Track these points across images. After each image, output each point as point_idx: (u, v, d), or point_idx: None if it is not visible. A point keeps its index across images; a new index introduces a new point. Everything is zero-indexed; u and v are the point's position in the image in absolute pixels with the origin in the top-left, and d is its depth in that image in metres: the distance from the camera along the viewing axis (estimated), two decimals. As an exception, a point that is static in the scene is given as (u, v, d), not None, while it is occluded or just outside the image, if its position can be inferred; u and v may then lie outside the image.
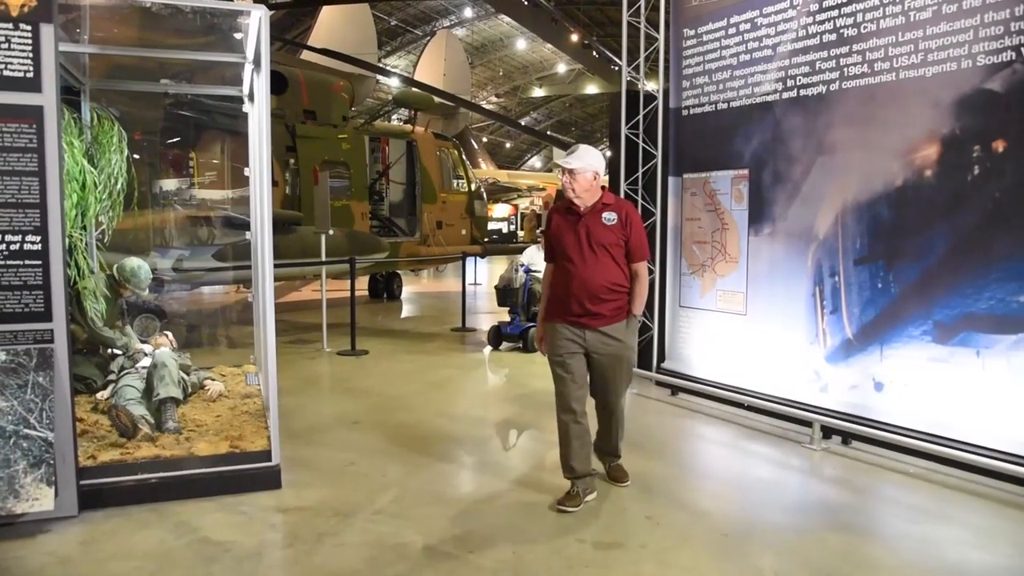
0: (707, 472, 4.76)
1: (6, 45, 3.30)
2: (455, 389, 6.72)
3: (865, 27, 4.78)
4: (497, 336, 8.44)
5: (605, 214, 3.75)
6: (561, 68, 38.28)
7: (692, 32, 6.13)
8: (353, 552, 3.29)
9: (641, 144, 6.66)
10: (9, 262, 3.42)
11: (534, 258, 8.38)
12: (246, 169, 5.71)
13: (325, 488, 4.05)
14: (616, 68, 30.55)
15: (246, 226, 6.85)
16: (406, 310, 12.46)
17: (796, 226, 5.32)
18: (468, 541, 3.42)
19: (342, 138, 10.77)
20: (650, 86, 6.93)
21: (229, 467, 3.97)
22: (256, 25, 3.90)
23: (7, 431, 3.41)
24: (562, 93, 42.09)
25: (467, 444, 5.00)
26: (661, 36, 6.44)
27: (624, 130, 6.74)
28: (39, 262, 3.46)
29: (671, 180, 6.44)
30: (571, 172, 3.70)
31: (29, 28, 3.33)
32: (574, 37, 28.37)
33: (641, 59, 6.65)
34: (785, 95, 5.39)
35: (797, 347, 5.30)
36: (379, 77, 18.01)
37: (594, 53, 30.31)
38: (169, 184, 8.50)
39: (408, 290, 14.26)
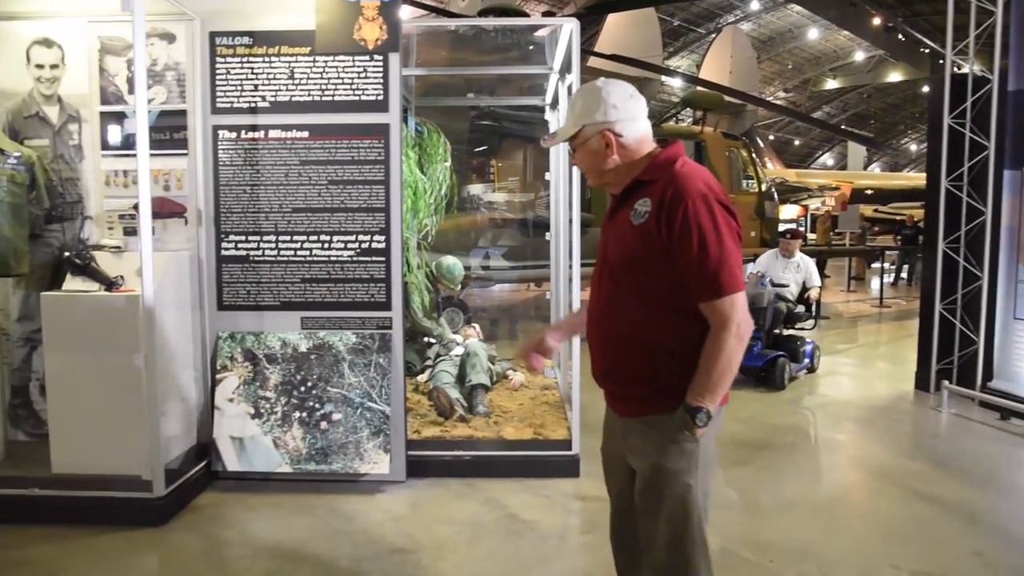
0: (1050, 508, 4.14)
1: (364, 74, 3.89)
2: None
3: None
4: None
5: (639, 202, 1.95)
6: (859, 56, 35.24)
7: (1038, 2, 5.34)
8: (650, 544, 3.37)
9: (968, 135, 5.94)
10: (361, 258, 4.02)
11: (771, 267, 7.21)
12: (547, 174, 6.06)
13: (619, 480, 4.19)
14: (927, 51, 27.47)
15: (543, 227, 7.29)
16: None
17: None
18: (768, 550, 3.34)
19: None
20: (969, 67, 6.15)
21: (532, 452, 4.27)
22: (567, 37, 4.16)
23: (355, 402, 4.01)
24: (859, 84, 38.66)
25: (762, 447, 4.86)
26: (1000, 7, 5.67)
27: (947, 119, 6.06)
28: (383, 259, 4.02)
29: (1007, 174, 5.66)
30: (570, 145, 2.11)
31: (381, 59, 3.89)
32: (876, 20, 25.95)
33: (971, 38, 5.92)
34: None
35: None
36: (663, 78, 17.99)
37: (899, 36, 27.44)
38: (475, 189, 9.31)
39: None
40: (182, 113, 3.97)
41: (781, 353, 6.56)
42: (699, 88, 13.59)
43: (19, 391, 4.22)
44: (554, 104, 5.81)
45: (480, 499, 3.91)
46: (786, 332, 6.95)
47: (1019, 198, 5.58)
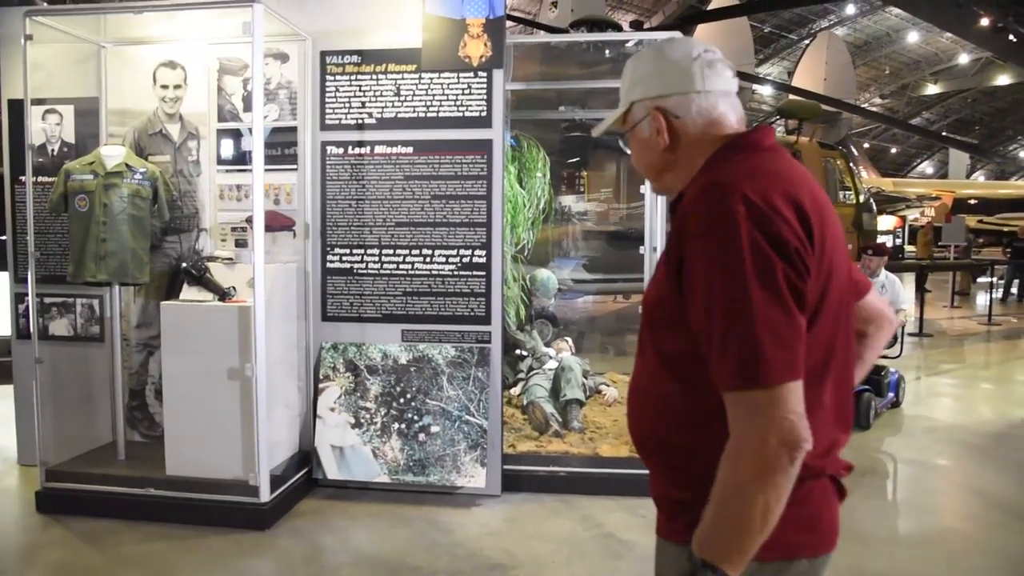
0: None
1: (468, 90, 3.94)
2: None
3: None
4: None
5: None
6: (963, 59, 33.59)
7: None
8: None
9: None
10: (462, 272, 4.06)
11: None
12: (642, 187, 5.99)
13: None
14: (1040, 53, 25.96)
15: (636, 239, 7.22)
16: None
17: None
18: (882, 583, 3.19)
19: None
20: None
21: (628, 470, 4.20)
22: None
23: (453, 415, 4.04)
24: (962, 88, 36.86)
25: (866, 473, 4.65)
26: None
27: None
28: (484, 273, 4.05)
29: None
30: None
31: (485, 75, 3.93)
32: (984, 21, 24.70)
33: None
34: None
35: None
36: (755, 86, 17.61)
37: (1010, 36, 26.04)
38: (567, 200, 9.31)
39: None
40: (293, 130, 4.12)
41: (866, 387, 5.77)
42: (794, 97, 13.22)
43: (136, 394, 4.44)
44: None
45: (576, 516, 3.87)
46: None
47: None
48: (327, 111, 4.09)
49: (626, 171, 9.68)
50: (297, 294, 4.15)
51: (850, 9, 29.55)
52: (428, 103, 4.00)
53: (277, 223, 4.06)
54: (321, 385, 4.15)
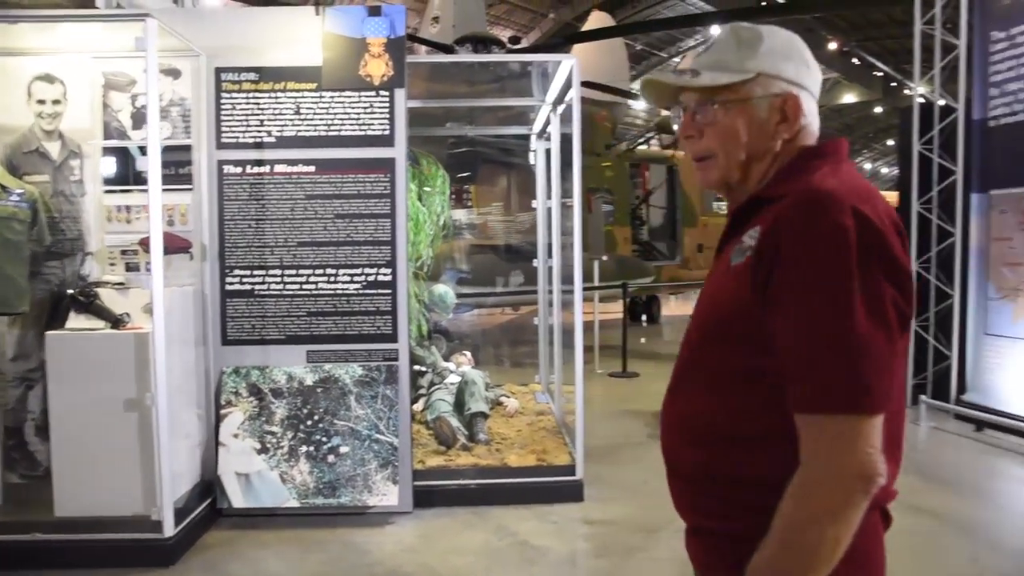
0: (1036, 519, 4.30)
1: (370, 109, 3.95)
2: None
3: None
4: None
5: (751, 231, 1.16)
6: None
7: (1002, 35, 5.62)
8: (665, 567, 3.44)
9: (937, 160, 6.19)
10: (367, 291, 4.05)
11: None
12: (533, 201, 6.16)
13: (625, 504, 4.25)
14: (879, 74, 28.42)
15: (529, 253, 7.39)
16: (668, 333, 12.52)
17: None
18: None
19: (606, 166, 11.16)
20: (936, 98, 6.43)
21: (537, 478, 4.31)
22: (567, 71, 4.27)
23: (363, 434, 4.02)
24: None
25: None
26: (962, 41, 5.95)
27: (916, 146, 6.31)
28: (389, 291, 4.06)
29: (975, 197, 5.91)
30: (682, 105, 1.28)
31: (387, 94, 3.95)
32: (832, 45, 26.81)
33: (937, 69, 6.19)
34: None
35: None
36: (630, 102, 18.32)
37: (854, 60, 28.39)
38: (457, 215, 9.39)
39: (666, 313, 14.31)
40: (187, 148, 3.98)
41: None
42: (667, 112, 13.87)
43: (13, 432, 4.13)
44: (541, 133, 5.92)
45: (490, 527, 3.93)
46: None
47: (986, 219, 5.83)
48: (223, 129, 3.99)
49: (515, 186, 9.89)
50: (195, 318, 4.01)
51: (714, 30, 31.30)
52: (330, 122, 3.98)
53: (173, 245, 3.91)
54: (223, 411, 4.02)
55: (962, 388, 6.05)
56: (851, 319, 1.02)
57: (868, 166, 46.93)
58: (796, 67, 1.21)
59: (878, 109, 34.82)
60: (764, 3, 23.11)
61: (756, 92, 1.20)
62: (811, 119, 1.23)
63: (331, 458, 3.97)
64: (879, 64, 27.54)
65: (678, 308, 14.28)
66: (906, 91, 6.24)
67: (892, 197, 7.21)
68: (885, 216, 1.08)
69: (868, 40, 27.09)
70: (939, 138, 6.19)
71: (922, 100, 6.42)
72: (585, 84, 12.20)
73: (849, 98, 36.54)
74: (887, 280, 1.05)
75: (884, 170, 47.69)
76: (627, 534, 3.83)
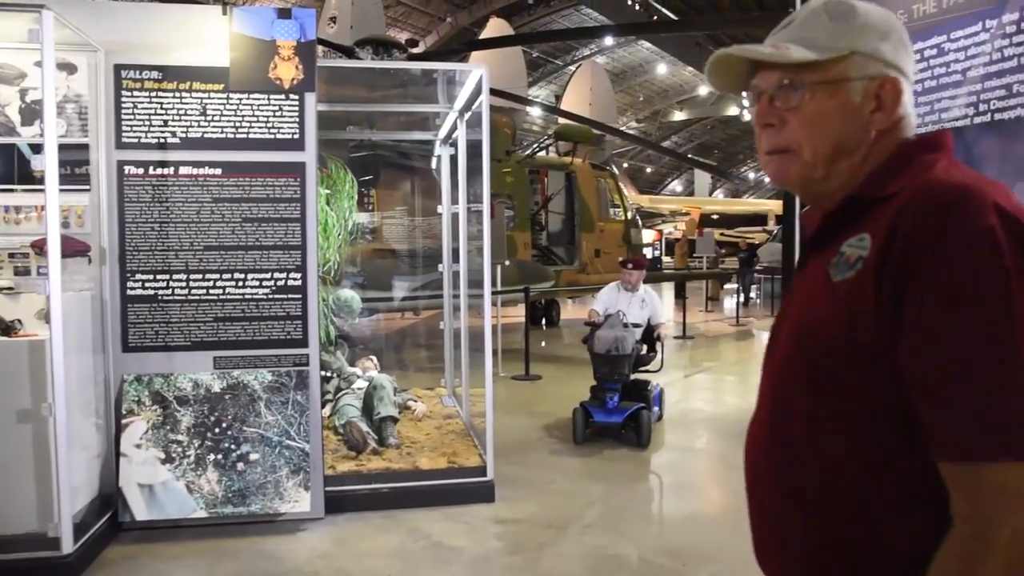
0: None
1: (280, 113, 3.91)
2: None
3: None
4: (587, 423, 5.64)
5: (852, 239, 0.98)
6: (703, 90, 37.86)
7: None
8: (575, 562, 3.57)
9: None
10: (276, 296, 4.00)
11: (614, 302, 6.10)
12: (439, 207, 6.22)
13: (534, 503, 4.37)
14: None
15: (435, 257, 7.43)
16: (567, 336, 12.81)
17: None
18: (681, 555, 3.63)
19: (505, 171, 11.33)
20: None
21: (449, 480, 4.37)
22: (475, 81, 4.36)
23: (273, 441, 3.96)
24: (703, 116, 41.59)
25: (656, 463, 5.19)
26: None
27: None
28: (299, 296, 4.02)
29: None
30: (770, 83, 1.07)
31: (297, 98, 3.92)
32: (718, 60, 28.08)
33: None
34: (977, 120, 5.28)
35: None
36: (527, 109, 18.63)
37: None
38: (360, 219, 9.32)
39: (565, 317, 14.64)
40: (84, 147, 3.81)
41: (642, 404, 5.60)
42: (568, 121, 14.21)
43: None
44: (447, 139, 5.99)
45: (403, 530, 3.96)
46: (632, 377, 5.83)
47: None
48: (124, 128, 3.84)
49: (419, 190, 9.89)
50: (93, 324, 3.85)
51: (608, 40, 32.20)
52: (237, 124, 3.91)
53: (70, 248, 3.73)
54: (124, 421, 3.87)
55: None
56: (1013, 346, 0.83)
57: (752, 175, 49.41)
58: (895, 48, 1.04)
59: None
60: (655, 17, 24.05)
61: (850, 73, 1.02)
62: (909, 109, 1.06)
63: (240, 466, 3.90)
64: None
65: (575, 312, 14.62)
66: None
67: (776, 205, 7.67)
68: None
69: (752, 56, 28.47)
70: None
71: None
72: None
73: (735, 110, 38.45)
74: None
75: (767, 179, 50.28)
76: (538, 531, 3.94)
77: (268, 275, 3.99)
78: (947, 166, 0.99)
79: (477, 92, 4.41)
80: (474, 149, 5.14)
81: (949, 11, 5.52)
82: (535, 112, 31.83)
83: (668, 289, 17.87)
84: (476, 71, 4.28)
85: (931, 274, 0.87)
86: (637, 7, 23.74)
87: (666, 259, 27.57)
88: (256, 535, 3.83)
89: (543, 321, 13.54)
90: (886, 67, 1.03)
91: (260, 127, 3.93)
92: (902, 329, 0.88)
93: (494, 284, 8.61)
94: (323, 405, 5.49)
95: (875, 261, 0.92)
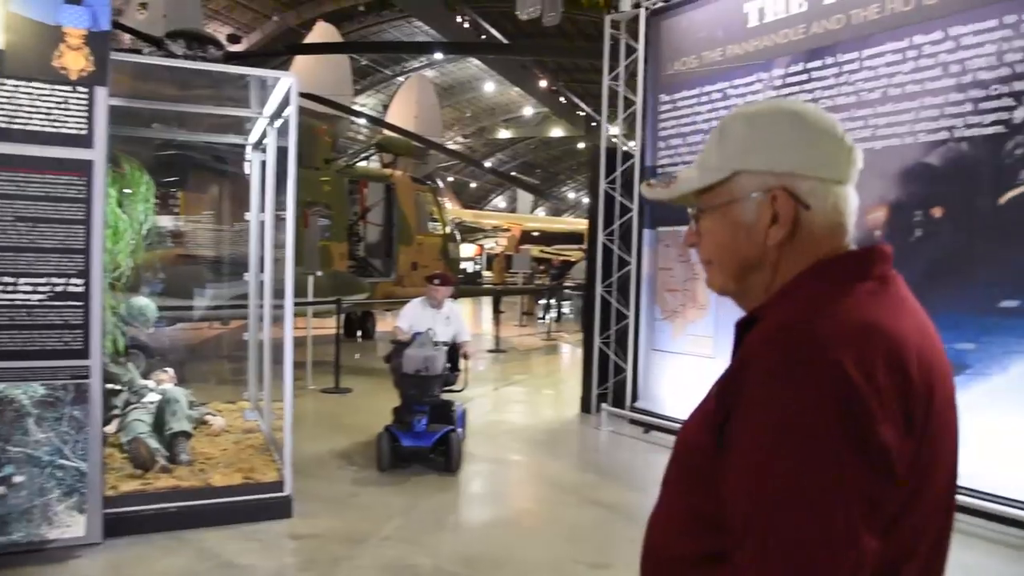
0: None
1: (65, 105, 3.63)
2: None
3: (822, 103, 5.34)
4: (393, 448, 5.29)
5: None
6: (528, 111, 39.23)
7: (668, 98, 6.68)
8: (370, 573, 3.59)
9: (618, 198, 7.14)
10: (54, 303, 3.69)
11: (419, 319, 5.86)
12: (246, 213, 6.02)
13: (333, 517, 4.33)
14: (582, 113, 31.59)
15: (240, 265, 7.14)
16: (382, 349, 12.72)
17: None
18: (475, 563, 3.76)
19: (324, 180, 11.12)
20: (619, 145, 7.44)
21: (244, 497, 4.23)
22: (285, 89, 4.28)
23: (43, 461, 3.66)
24: (528, 135, 43.03)
25: (459, 475, 5.31)
26: (639, 100, 6.97)
27: (603, 184, 7.23)
28: (81, 303, 3.74)
29: (647, 232, 6.94)
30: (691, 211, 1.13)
31: (86, 91, 3.66)
32: (543, 83, 29.29)
33: (619, 120, 7.17)
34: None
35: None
36: (352, 117, 18.40)
37: (561, 99, 31.26)
38: (163, 222, 8.75)
39: (380, 329, 14.55)
40: None
41: (451, 427, 5.40)
42: (391, 133, 14.21)
43: None
44: (257, 144, 5.81)
45: (191, 552, 3.79)
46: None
47: (655, 251, 6.87)
48: None
49: (226, 194, 9.45)
50: None
51: (438, 54, 32.51)
52: (12, 114, 3.58)
53: None
54: None
55: (635, 396, 7.02)
56: (800, 506, 0.82)
57: (572, 195, 51.71)
58: (810, 153, 1.00)
59: (581, 145, 38.59)
60: (484, 36, 24.64)
61: (736, 193, 1.02)
62: (824, 215, 1.00)
63: (1, 489, 3.55)
64: (582, 105, 30.60)
65: (392, 324, 14.58)
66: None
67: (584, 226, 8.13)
68: (887, 365, 0.87)
69: (574, 82, 30.01)
70: (621, 179, 7.15)
71: (610, 144, 7.38)
72: (306, 96, 12.13)
73: (557, 132, 40.15)
74: (863, 461, 0.83)
75: (586, 200, 52.92)
76: (334, 545, 3.92)
77: (44, 280, 3.67)
78: (825, 298, 0.94)
79: (287, 100, 4.33)
80: (286, 156, 5.02)
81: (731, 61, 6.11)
82: (362, 121, 31.51)
83: (487, 304, 18.28)
84: (286, 79, 4.21)
85: (748, 410, 0.88)
86: (466, 25, 24.24)
87: (487, 273, 28.15)
88: (19, 566, 3.50)
89: (359, 333, 13.38)
90: (777, 178, 0.99)
91: (41, 119, 3.61)
92: (725, 455, 0.91)
93: (306, 295, 8.43)
94: (109, 421, 5.13)
95: (721, 387, 0.95)
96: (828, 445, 0.82)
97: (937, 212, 4.74)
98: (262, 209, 5.63)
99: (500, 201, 51.50)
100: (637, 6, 6.89)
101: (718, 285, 1.09)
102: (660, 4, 6.77)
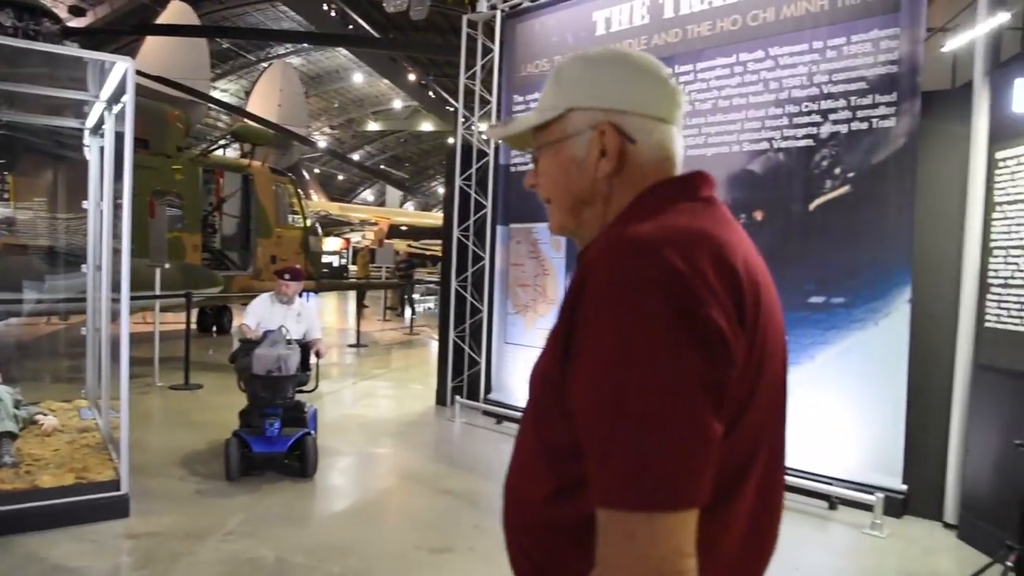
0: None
1: None
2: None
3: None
4: (244, 456, 4.97)
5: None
6: (397, 104, 38.85)
7: (521, 99, 6.93)
8: (209, 568, 3.58)
9: (473, 195, 7.33)
10: None
11: (268, 315, 5.56)
12: (84, 202, 5.75)
13: (174, 514, 4.26)
14: (451, 109, 31.72)
15: (78, 256, 6.79)
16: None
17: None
18: (318, 553, 3.82)
19: (176, 168, 10.66)
20: (474, 142, 7.64)
21: (76, 498, 4.08)
22: (121, 74, 4.14)
23: None
24: (397, 128, 42.66)
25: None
26: (494, 100, 7.18)
27: (458, 181, 7.40)
28: None
29: (499, 229, 7.17)
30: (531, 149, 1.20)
31: None
32: (412, 76, 29.16)
33: (475, 119, 7.36)
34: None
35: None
36: (210, 105, 17.65)
37: (430, 93, 31.25)
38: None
39: (236, 324, 14.13)
40: None
41: (306, 430, 5.16)
42: (248, 122, 13.76)
43: None
44: (96, 129, 5.56)
45: (16, 558, 3.62)
46: None
47: (507, 247, 7.11)
48: None
49: (64, 180, 8.90)
50: None
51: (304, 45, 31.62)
52: None
53: None
54: None
55: (489, 388, 7.25)
56: (645, 391, 0.84)
57: (441, 190, 51.77)
58: (633, 91, 1.07)
59: (451, 140, 38.56)
60: (351, 27, 24.26)
61: (567, 129, 1.09)
62: (649, 149, 1.07)
63: None
64: (452, 100, 30.71)
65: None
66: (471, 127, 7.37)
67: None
68: (713, 263, 0.91)
69: (444, 76, 30.04)
70: (476, 176, 7.34)
71: (465, 142, 7.55)
72: (157, 79, 11.57)
73: (427, 126, 40.04)
74: (697, 343, 0.86)
75: (440, 190, 53.09)
76: (174, 542, 3.86)
77: None
78: (656, 214, 1.00)
79: (124, 86, 4.19)
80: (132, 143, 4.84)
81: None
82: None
83: (351, 298, 18.08)
84: (121, 64, 4.07)
85: (586, 316, 0.91)
86: (334, 14, 23.76)
87: (353, 267, 27.76)
88: None
89: (214, 328, 12.93)
90: (605, 114, 1.06)
91: None
92: (568, 367, 0.93)
93: (153, 288, 8.09)
94: (-76, 423, 4.79)
95: (564, 305, 0.97)
96: (666, 336, 0.84)
97: (759, 215, 5.23)
98: (101, 197, 5.40)
99: (368, 195, 50.81)
100: (494, 7, 7.10)
101: (556, 223, 1.15)
102: (516, 5, 7.00)
